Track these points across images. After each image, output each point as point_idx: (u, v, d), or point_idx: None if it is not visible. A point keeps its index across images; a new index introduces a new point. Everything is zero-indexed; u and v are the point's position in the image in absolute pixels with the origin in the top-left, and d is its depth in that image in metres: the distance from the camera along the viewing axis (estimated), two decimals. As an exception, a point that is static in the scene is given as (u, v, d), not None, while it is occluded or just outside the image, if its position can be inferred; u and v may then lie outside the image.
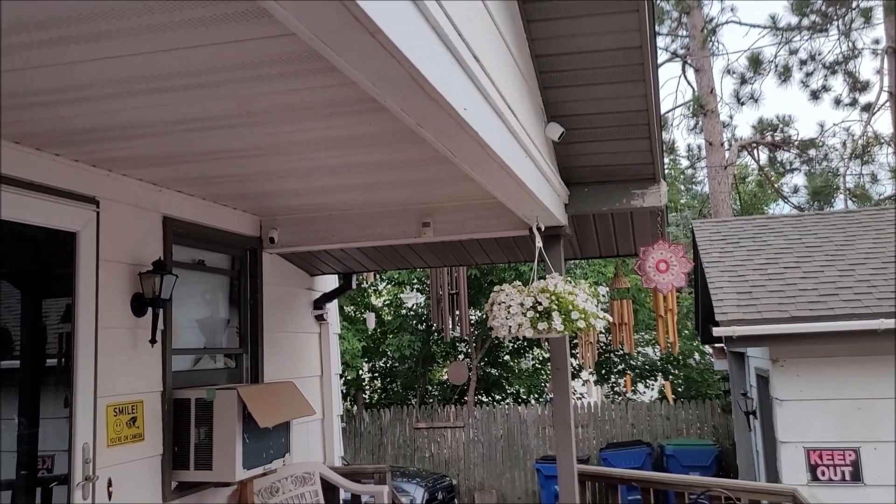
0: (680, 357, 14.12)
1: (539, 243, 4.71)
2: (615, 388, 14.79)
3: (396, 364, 15.39)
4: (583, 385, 15.41)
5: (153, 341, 4.28)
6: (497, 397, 15.44)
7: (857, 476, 6.39)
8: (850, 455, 6.42)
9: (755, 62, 15.14)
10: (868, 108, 16.55)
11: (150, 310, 4.27)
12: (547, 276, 4.57)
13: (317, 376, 6.46)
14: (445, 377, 16.59)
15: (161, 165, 4.13)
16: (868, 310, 6.24)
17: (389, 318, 15.10)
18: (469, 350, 15.52)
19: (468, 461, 14.15)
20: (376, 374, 16.41)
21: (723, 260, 7.96)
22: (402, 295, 15.26)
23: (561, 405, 5.10)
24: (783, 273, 7.39)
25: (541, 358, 15.47)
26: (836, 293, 6.71)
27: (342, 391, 15.70)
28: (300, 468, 5.64)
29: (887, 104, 14.07)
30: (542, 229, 4.76)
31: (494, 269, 13.46)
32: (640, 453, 12.62)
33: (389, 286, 15.30)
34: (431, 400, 15.70)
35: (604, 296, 12.74)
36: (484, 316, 13.64)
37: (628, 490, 7.83)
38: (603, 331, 4.68)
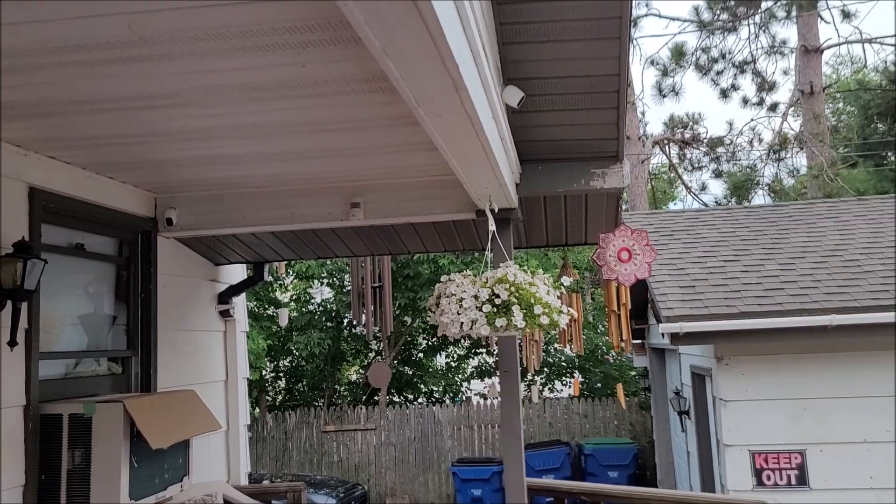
0: (598, 353, 13.85)
1: (492, 226, 4.06)
2: (531, 386, 14.39)
3: (303, 363, 14.46)
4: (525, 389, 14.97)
5: (13, 343, 3.37)
6: (410, 397, 14.77)
7: (802, 480, 6.09)
8: (795, 458, 6.12)
9: (678, 54, 15.07)
10: (774, 107, 16.83)
11: (9, 303, 3.36)
12: (501, 265, 3.94)
13: (221, 381, 5.60)
14: (355, 377, 15.78)
15: (25, 119, 3.23)
16: (818, 305, 5.93)
17: (296, 314, 14.17)
18: (381, 347, 14.77)
19: (379, 465, 13.42)
20: (281, 374, 15.42)
21: (660, 252, 7.56)
22: (310, 290, 14.35)
23: (510, 413, 4.47)
24: (723, 267, 7.05)
25: (455, 356, 14.89)
26: (781, 287, 6.40)
27: (244, 393, 14.70)
28: (200, 490, 4.78)
29: (799, 101, 14.27)
30: (496, 211, 4.11)
31: (410, 263, 12.77)
32: (559, 453, 12.26)
33: (297, 281, 14.36)
34: (340, 401, 14.87)
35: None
36: (401, 310, 12.95)
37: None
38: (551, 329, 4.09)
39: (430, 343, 14.62)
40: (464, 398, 14.54)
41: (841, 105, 17.17)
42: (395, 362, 14.28)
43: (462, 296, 3.76)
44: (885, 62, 15.84)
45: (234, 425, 5.56)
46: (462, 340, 14.44)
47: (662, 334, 6.18)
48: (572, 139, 4.32)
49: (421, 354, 14.70)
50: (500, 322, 3.67)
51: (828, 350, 6.11)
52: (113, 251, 4.57)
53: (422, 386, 14.58)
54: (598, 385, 13.73)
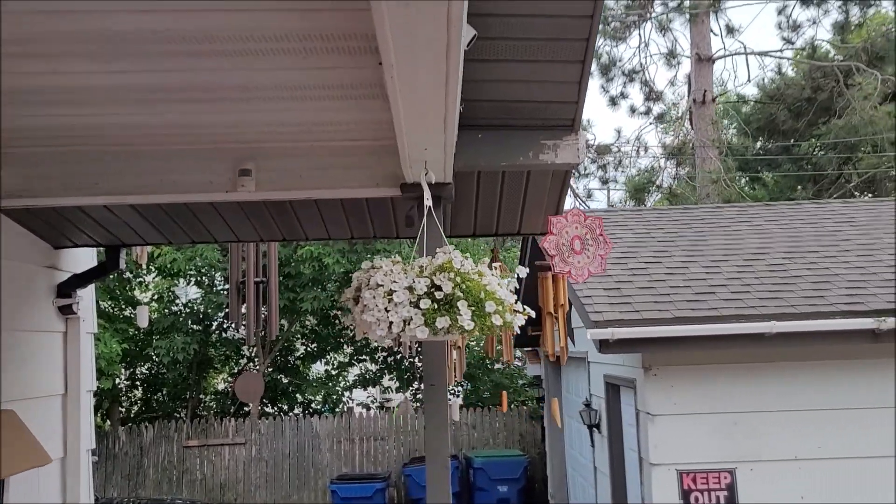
0: (487, 361, 13.22)
1: (428, 201, 3.20)
2: (418, 395, 13.56)
3: (164, 370, 12.95)
4: (410, 395, 14.00)
5: None
6: (285, 408, 13.57)
7: (732, 501, 5.59)
8: (725, 478, 5.61)
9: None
10: (661, 117, 16.93)
11: None
12: (439, 250, 3.09)
13: (58, 396, 4.40)
14: (224, 385, 14.38)
15: None
16: (755, 311, 5.45)
17: (157, 315, 12.67)
18: (253, 354, 13.50)
19: (249, 483, 12.18)
20: (137, 383, 13.79)
21: (576, 252, 6.94)
22: (175, 289, 12.89)
23: (435, 437, 3.60)
24: (646, 268, 6.51)
25: (336, 363, 13.83)
26: (711, 291, 5.90)
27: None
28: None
29: (691, 109, 14.31)
30: (433, 182, 3.26)
31: (291, 260, 11.63)
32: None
33: (159, 279, 12.85)
34: (206, 412, 13.46)
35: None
36: (279, 313, 11.75)
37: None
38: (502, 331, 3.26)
39: (308, 349, 13.50)
40: (345, 409, 13.52)
41: (726, 121, 17.54)
42: (270, 370, 13.07)
43: (392, 287, 2.88)
44: (763, 78, 16.33)
45: (73, 452, 4.37)
46: (344, 346, 13.42)
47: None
48: (523, 100, 3.52)
49: (298, 361, 13.54)
50: (442, 322, 2.83)
51: (759, 360, 5.66)
52: None
53: (298, 395, 13.43)
54: (487, 394, 13.10)
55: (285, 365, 13.42)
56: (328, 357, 13.55)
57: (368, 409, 13.44)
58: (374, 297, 2.87)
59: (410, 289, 2.86)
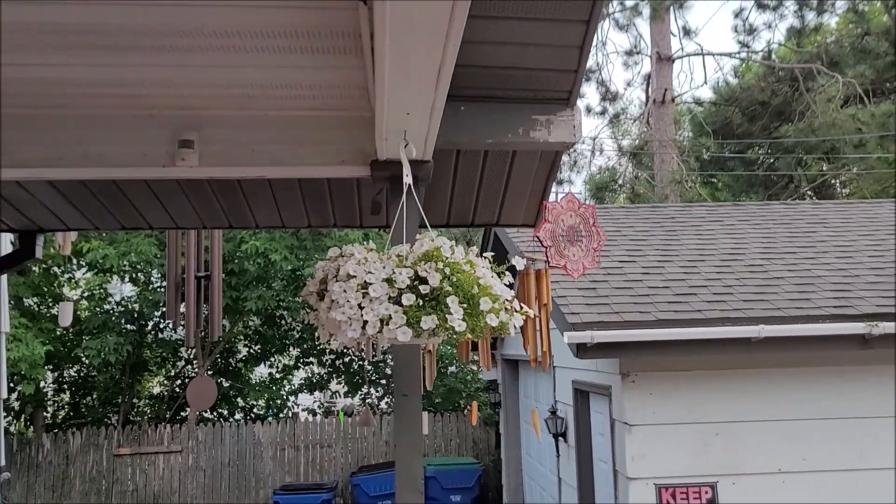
0: (440, 365, 12.72)
1: (408, 178, 2.70)
2: (367, 401, 12.98)
3: (95, 373, 12.07)
4: (345, 395, 13.36)
5: None
6: (225, 413, 12.83)
7: (712, 517, 5.22)
8: (706, 492, 5.24)
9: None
10: (617, 117, 16.73)
11: None
12: (420, 236, 2.60)
13: (-41, 406, 3.75)
14: (159, 389, 13.54)
15: None
16: (741, 314, 5.10)
17: (88, 314, 11.81)
18: (191, 355, 12.73)
19: (185, 494, 11.43)
20: (65, 386, 12.86)
21: (545, 250, 6.51)
22: (107, 286, 12.03)
23: (408, 456, 3.10)
24: (621, 267, 6.12)
25: (281, 366, 13.14)
26: (692, 293, 5.54)
27: (12, 410, 11.98)
28: None
29: (650, 109, 14.10)
30: (413, 155, 2.76)
31: (235, 256, 10.94)
32: (398, 476, 10.96)
33: (90, 275, 11.98)
34: (139, 418, 12.62)
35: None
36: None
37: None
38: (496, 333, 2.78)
39: (251, 351, 12.79)
40: (289, 414, 12.84)
41: (686, 122, 17.44)
42: (210, 373, 12.32)
43: (367, 279, 2.38)
44: (718, 81, 16.28)
45: (-24, 472, 3.72)
46: (289, 348, 12.75)
47: (573, 345, 5.09)
48: (516, 67, 3.05)
49: (240, 364, 12.82)
50: (428, 322, 2.34)
51: (741, 366, 5.32)
52: None
53: (240, 400, 12.71)
54: (439, 400, 12.60)
55: (226, 368, 12.68)
56: (272, 360, 12.86)
57: (315, 414, 12.81)
58: (344, 292, 2.36)
59: (390, 281, 2.36)
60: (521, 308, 2.59)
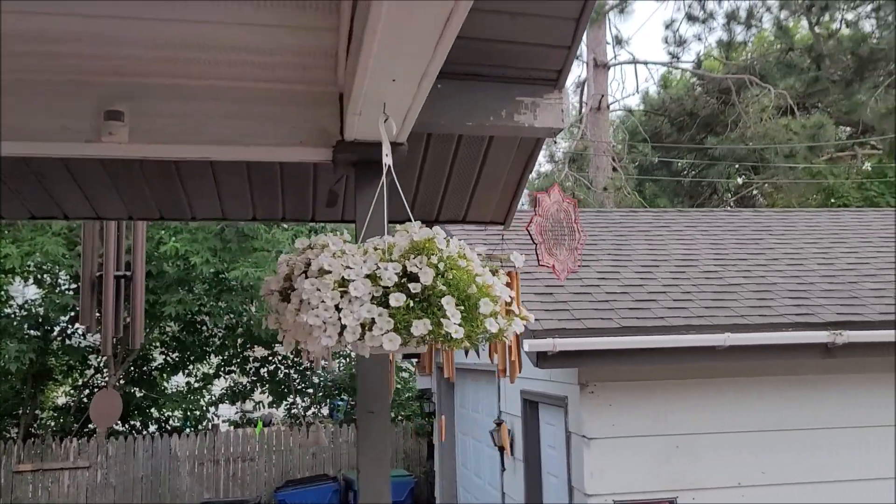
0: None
1: (388, 158, 2.31)
2: (292, 411, 12.36)
3: (-7, 383, 11.07)
4: (271, 406, 12.67)
5: None
6: (139, 425, 11.98)
7: (671, 534, 4.99)
8: (665, 507, 5.01)
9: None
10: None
11: None
12: (401, 227, 2.23)
13: None
14: (65, 399, 12.57)
15: None
16: (705, 321, 4.89)
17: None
18: (101, 363, 11.86)
19: (93, 513, 10.58)
20: (-42, 397, 11.76)
21: (495, 253, 6.19)
22: (8, 288, 11.04)
23: (374, 476, 2.71)
24: (576, 271, 5.83)
25: (199, 375, 12.39)
26: (652, 299, 5.32)
27: None
28: None
29: (587, 115, 14.03)
30: (394, 132, 2.36)
31: (152, 256, 10.19)
32: (326, 490, 10.48)
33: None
34: (42, 431, 11.65)
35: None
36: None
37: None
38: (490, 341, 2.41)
39: (168, 359, 12.00)
40: (209, 426, 12.11)
41: (621, 130, 17.53)
42: (122, 382, 11.49)
43: (346, 275, 1.97)
44: (648, 91, 16.43)
45: None
46: (210, 356, 12.02)
47: (533, 354, 4.76)
48: (504, 40, 2.71)
49: (156, 373, 12.01)
50: (420, 327, 1.96)
51: (701, 375, 5.13)
52: None
53: (154, 411, 11.89)
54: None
55: (140, 377, 11.84)
56: (191, 368, 12.10)
57: (236, 426, 12.12)
58: (318, 290, 1.95)
59: (373, 278, 1.97)
60: (521, 312, 2.25)
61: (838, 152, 14.90)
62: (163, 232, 10.24)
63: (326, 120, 2.76)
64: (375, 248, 2.06)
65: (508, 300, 2.16)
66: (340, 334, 1.93)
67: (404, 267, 1.98)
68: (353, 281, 1.93)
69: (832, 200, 12.81)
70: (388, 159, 2.29)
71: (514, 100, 2.88)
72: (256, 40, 2.48)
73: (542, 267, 3.17)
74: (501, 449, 6.73)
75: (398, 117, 2.39)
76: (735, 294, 5.43)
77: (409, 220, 2.90)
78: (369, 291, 1.94)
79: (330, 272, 1.96)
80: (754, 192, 15.34)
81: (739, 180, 15.35)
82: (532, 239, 2.90)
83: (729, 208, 9.44)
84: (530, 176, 3.73)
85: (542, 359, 4.69)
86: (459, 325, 1.95)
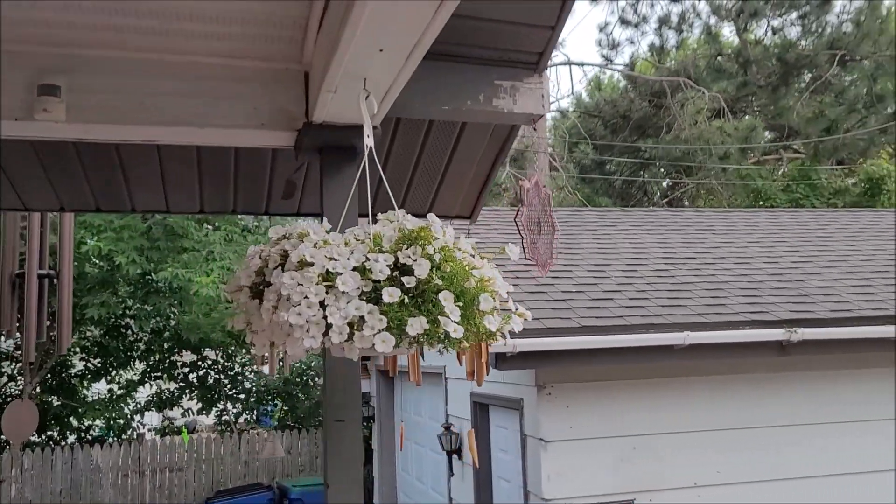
0: (303, 377, 11.88)
1: (370, 139, 2.09)
2: (223, 418, 11.86)
3: None
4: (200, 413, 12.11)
5: None
6: (56, 436, 11.28)
7: (629, 537, 4.90)
8: (623, 510, 4.91)
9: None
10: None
11: None
12: (381, 217, 2.02)
13: None
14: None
15: None
16: (663, 320, 4.82)
17: None
18: (15, 370, 11.12)
19: (6, 531, 9.88)
20: None
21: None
22: None
23: (346, 493, 2.48)
24: (528, 269, 5.69)
25: (123, 381, 11.76)
26: (609, 298, 5.22)
27: None
28: None
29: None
30: (375, 111, 2.14)
31: (75, 255, 9.57)
32: (260, 499, 10.06)
33: None
34: (-51, 444, 10.83)
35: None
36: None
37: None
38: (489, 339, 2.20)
39: (90, 365, 11.35)
40: (134, 435, 11.50)
41: (559, 132, 17.60)
42: (38, 391, 10.78)
43: (332, 267, 1.74)
44: (581, 94, 16.56)
45: None
46: (134, 362, 11.42)
47: (492, 355, 4.56)
48: (484, 18, 2.52)
49: (76, 380, 11.33)
50: (415, 326, 1.75)
51: (657, 375, 5.06)
52: None
53: (74, 421, 11.22)
54: (304, 415, 11.75)
55: (58, 385, 11.14)
56: (114, 374, 11.46)
57: (163, 434, 11.55)
58: (299, 285, 1.71)
59: (362, 271, 1.74)
60: (518, 309, 2.06)
61: (764, 155, 15.33)
62: (84, 230, 9.65)
63: (289, 101, 2.53)
64: (359, 239, 1.84)
65: (505, 296, 1.97)
66: (325, 334, 1.71)
67: (396, 258, 1.77)
68: (341, 274, 1.70)
69: (760, 203, 13.16)
70: (369, 140, 2.06)
71: (493, 83, 2.70)
72: (214, 7, 2.23)
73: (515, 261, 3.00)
74: (450, 454, 6.54)
75: (377, 96, 2.17)
76: (689, 293, 5.39)
77: (368, 213, 2.64)
78: (358, 286, 1.72)
79: (312, 264, 1.72)
80: (679, 194, 15.63)
81: (665, 184, 15.60)
82: (519, 231, 2.72)
83: (672, 209, 9.55)
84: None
85: (500, 360, 4.53)
86: (458, 323, 1.75)
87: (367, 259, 1.74)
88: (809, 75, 13.97)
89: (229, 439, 10.85)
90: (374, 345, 1.69)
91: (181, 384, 11.60)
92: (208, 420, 12.62)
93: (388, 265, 1.73)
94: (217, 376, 11.71)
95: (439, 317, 1.73)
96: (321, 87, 2.18)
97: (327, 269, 1.72)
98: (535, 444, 4.96)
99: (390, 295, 1.69)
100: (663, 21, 14.88)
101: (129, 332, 11.11)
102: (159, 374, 11.57)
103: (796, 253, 6.68)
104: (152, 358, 11.43)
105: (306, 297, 1.68)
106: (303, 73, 2.55)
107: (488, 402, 5.96)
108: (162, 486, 10.56)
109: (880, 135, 13.70)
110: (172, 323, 10.96)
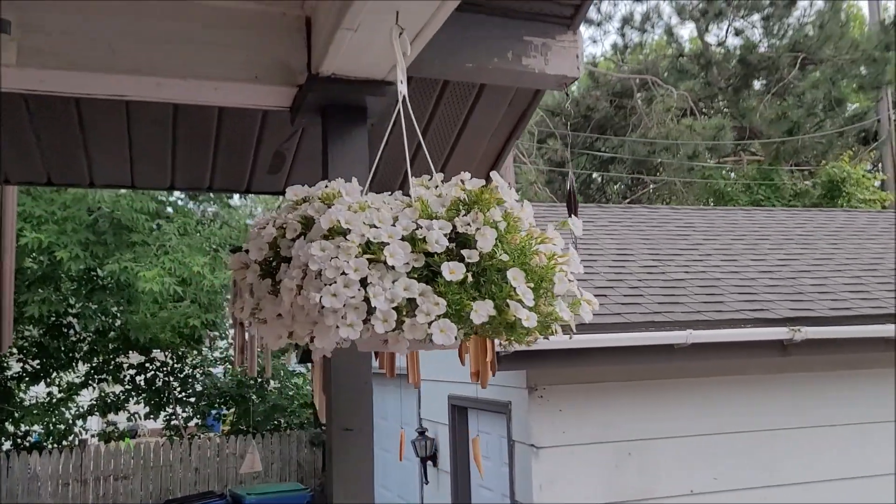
0: (258, 379, 11.33)
1: (403, 85, 1.71)
2: (172, 422, 11.23)
3: None
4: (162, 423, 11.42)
5: None
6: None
7: (623, 548, 4.61)
8: (617, 519, 4.62)
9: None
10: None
11: None
12: (415, 181, 1.64)
13: None
14: None
15: None
16: (664, 317, 4.54)
17: None
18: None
19: (-68, 546, 9.13)
20: None
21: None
22: None
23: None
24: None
25: (64, 384, 11.04)
26: (602, 294, 4.93)
27: None
28: None
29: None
30: (408, 53, 1.77)
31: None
32: (213, 509, 9.51)
33: None
34: None
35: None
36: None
37: None
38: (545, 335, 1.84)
39: (27, 366, 10.61)
40: (76, 441, 10.80)
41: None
42: (-30, 393, 10.03)
43: (374, 235, 1.34)
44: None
45: None
46: (77, 363, 10.73)
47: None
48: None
49: (12, 382, 10.58)
50: (481, 312, 1.36)
51: (656, 377, 4.80)
52: None
53: (10, 426, 10.47)
54: (260, 419, 11.21)
55: (-7, 386, 10.40)
56: (54, 377, 10.74)
57: (107, 441, 10.87)
58: (332, 258, 1.33)
59: (413, 241, 1.37)
60: (584, 294, 1.70)
61: (723, 157, 15.35)
62: (23, 222, 8.97)
63: (288, 51, 2.15)
64: (404, 203, 1.46)
65: (572, 279, 1.61)
66: (366, 321, 1.32)
67: (454, 226, 1.40)
68: (388, 244, 1.32)
69: (723, 203, 13.12)
70: (403, 87, 1.69)
71: (523, 39, 2.35)
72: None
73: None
74: (424, 460, 6.16)
75: (409, 36, 1.79)
76: (683, 290, 5.14)
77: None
78: (408, 261, 1.34)
79: (349, 231, 1.34)
80: (640, 195, 15.55)
81: (621, 185, 15.52)
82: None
83: (649, 205, 9.39)
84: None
85: (498, 360, 4.16)
86: (530, 309, 1.39)
87: (419, 227, 1.37)
88: (772, 78, 14.03)
89: (179, 445, 10.25)
90: (430, 336, 1.31)
91: (127, 387, 10.94)
92: (156, 424, 11.96)
93: (445, 234, 1.36)
94: (166, 378, 11.09)
95: (508, 301, 1.36)
96: (337, 26, 1.80)
97: (367, 239, 1.34)
98: (524, 450, 4.63)
99: (452, 271, 1.32)
100: (626, 21, 14.79)
101: (72, 331, 10.42)
102: (103, 376, 10.90)
103: (781, 250, 6.50)
104: (96, 359, 10.75)
105: (343, 272, 1.29)
106: (304, 20, 2.17)
107: (468, 405, 5.62)
108: (106, 495, 9.92)
109: (839, 138, 13.83)
110: (119, 322, 10.32)
